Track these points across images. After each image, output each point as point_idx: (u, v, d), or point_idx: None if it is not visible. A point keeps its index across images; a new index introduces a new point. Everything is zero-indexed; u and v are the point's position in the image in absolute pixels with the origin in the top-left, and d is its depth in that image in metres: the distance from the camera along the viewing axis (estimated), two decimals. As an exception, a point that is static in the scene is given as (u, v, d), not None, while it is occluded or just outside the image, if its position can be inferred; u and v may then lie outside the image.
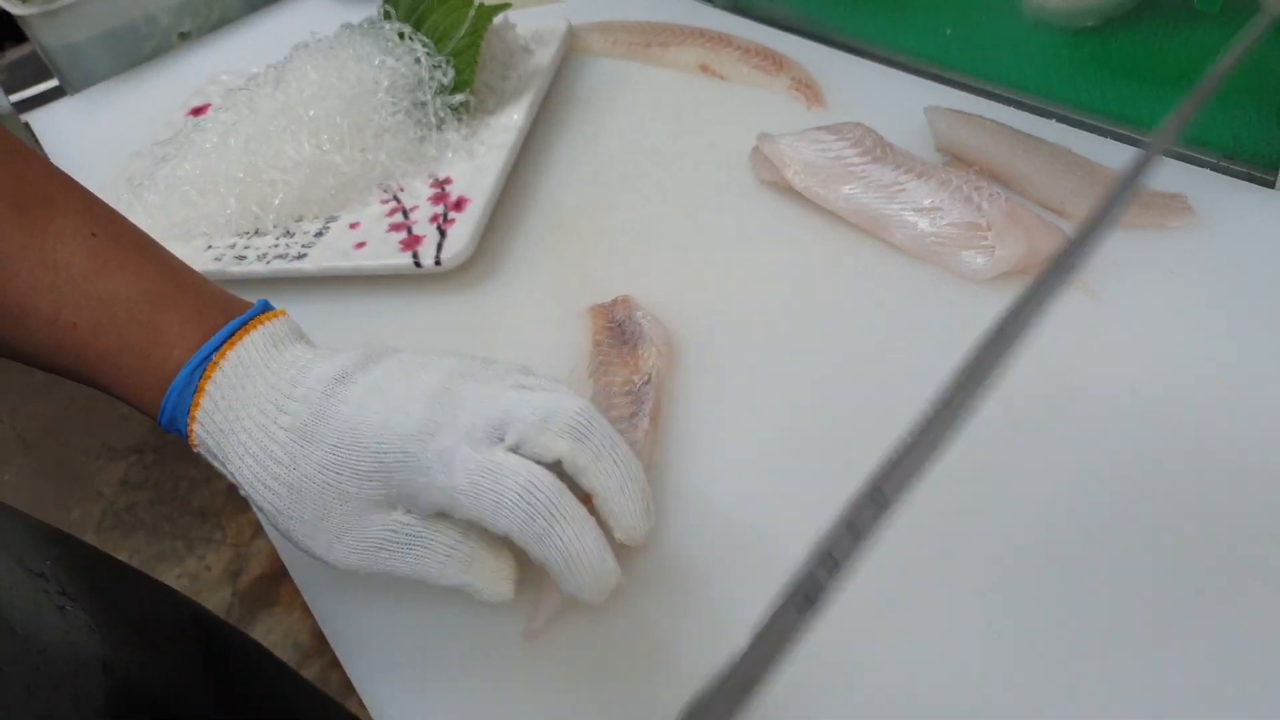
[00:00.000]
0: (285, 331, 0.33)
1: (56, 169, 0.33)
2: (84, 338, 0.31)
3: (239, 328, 0.32)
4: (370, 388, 0.31)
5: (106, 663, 0.36)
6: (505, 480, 0.29)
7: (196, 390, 0.31)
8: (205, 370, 0.31)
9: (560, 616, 0.33)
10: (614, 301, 0.46)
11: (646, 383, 0.40)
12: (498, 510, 0.29)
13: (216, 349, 0.32)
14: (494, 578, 0.31)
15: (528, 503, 0.28)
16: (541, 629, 0.33)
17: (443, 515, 0.31)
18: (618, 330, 0.44)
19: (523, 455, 0.30)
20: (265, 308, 0.34)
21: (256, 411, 0.31)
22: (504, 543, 0.31)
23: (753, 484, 0.37)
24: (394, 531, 0.31)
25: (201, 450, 0.32)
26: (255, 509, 0.33)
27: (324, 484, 0.30)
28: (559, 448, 0.30)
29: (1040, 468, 0.35)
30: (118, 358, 0.31)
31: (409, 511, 0.31)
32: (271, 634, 1.19)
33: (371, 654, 0.35)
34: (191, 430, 0.32)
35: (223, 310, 0.33)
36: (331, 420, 0.30)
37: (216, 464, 0.32)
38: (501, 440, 0.30)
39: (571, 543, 0.29)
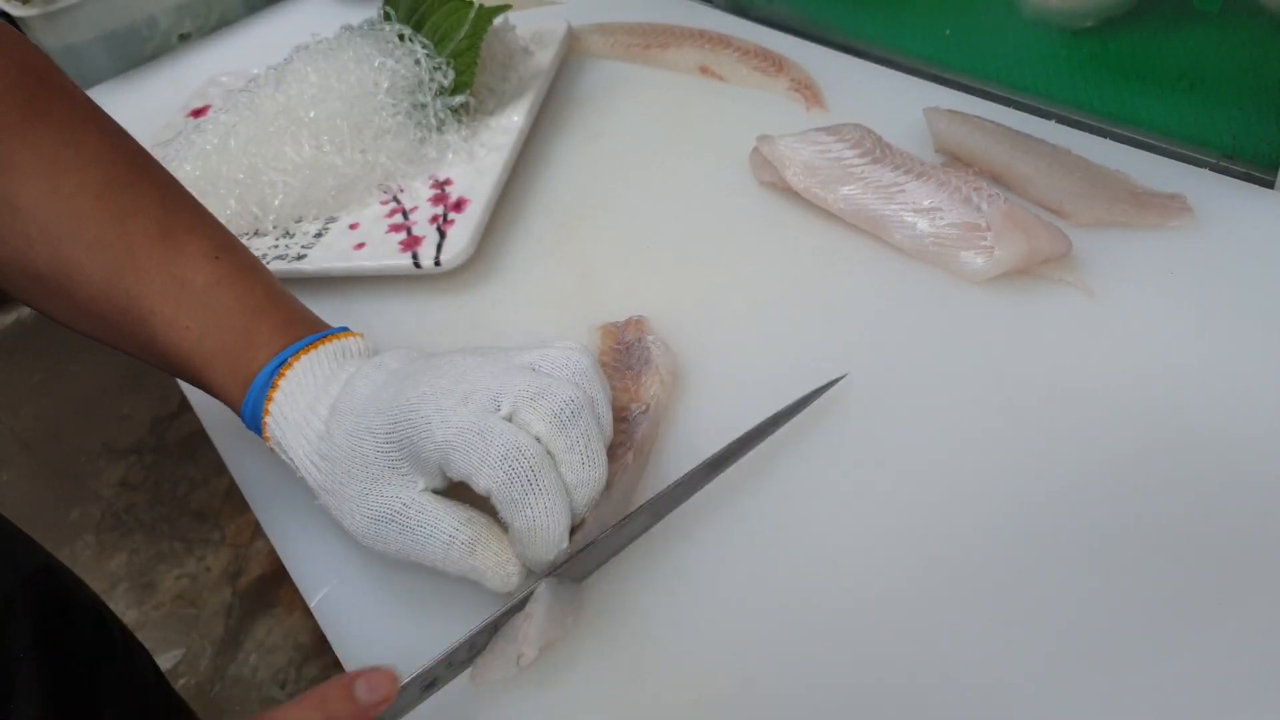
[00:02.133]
0: (358, 349, 0.38)
1: (196, 200, 0.40)
2: (195, 339, 0.36)
3: (315, 340, 0.37)
4: (397, 374, 0.35)
5: None
6: (492, 441, 0.31)
7: (272, 387, 0.36)
8: (280, 371, 0.36)
9: (507, 673, 0.31)
10: (627, 322, 0.45)
11: (644, 412, 0.39)
12: (481, 467, 0.31)
13: (293, 354, 0.36)
14: (498, 563, 0.32)
15: (510, 465, 0.30)
16: (488, 678, 0.31)
17: (444, 500, 0.33)
18: (625, 353, 0.43)
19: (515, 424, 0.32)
20: (345, 330, 0.39)
21: (312, 399, 0.36)
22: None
23: (749, 482, 0.37)
24: (405, 505, 0.33)
25: (272, 443, 0.36)
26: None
27: (349, 449, 0.34)
28: (539, 428, 0.32)
29: (1039, 467, 0.35)
30: (217, 358, 0.37)
31: (425, 489, 0.33)
32: (272, 634, 1.19)
33: (372, 655, 0.35)
34: (265, 423, 0.36)
35: (308, 327, 0.38)
36: (359, 393, 0.35)
37: (281, 453, 0.36)
38: (498, 410, 0.32)
39: (539, 516, 0.31)
